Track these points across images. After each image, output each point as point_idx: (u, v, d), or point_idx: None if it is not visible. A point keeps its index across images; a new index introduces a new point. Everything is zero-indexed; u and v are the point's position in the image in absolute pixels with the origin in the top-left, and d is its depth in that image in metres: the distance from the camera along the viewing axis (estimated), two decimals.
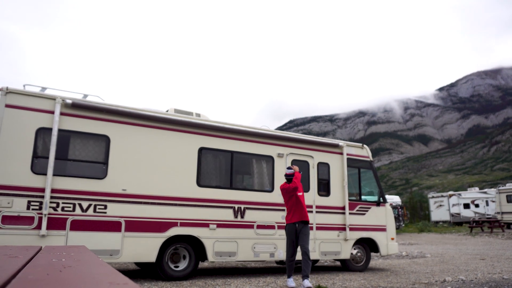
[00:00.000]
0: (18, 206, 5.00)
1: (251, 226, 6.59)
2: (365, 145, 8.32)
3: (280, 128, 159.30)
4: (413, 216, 42.77)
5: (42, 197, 5.14)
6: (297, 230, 5.68)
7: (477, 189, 33.53)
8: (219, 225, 6.31)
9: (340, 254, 7.35)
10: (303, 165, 7.30)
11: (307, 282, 5.37)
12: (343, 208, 7.59)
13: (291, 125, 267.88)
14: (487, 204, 30.34)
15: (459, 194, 31.92)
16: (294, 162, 7.22)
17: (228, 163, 6.73)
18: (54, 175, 5.26)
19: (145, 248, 5.68)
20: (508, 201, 24.52)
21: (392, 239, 8.03)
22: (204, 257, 6.21)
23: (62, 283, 0.59)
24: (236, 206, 6.55)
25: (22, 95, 5.26)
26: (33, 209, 5.08)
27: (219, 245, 6.25)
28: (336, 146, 7.85)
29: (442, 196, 33.47)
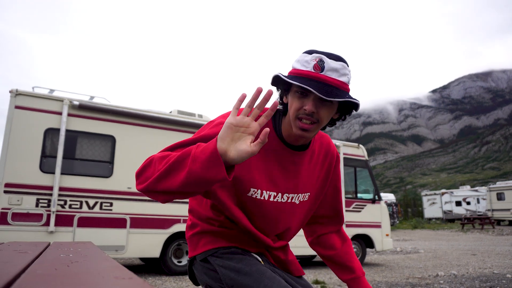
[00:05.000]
0: (28, 203, 5.15)
1: None
2: (361, 145, 8.54)
3: None
4: (407, 213, 43.17)
5: (50, 195, 5.29)
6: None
7: (468, 187, 34.06)
8: None
9: None
10: None
11: None
12: None
13: None
14: (478, 201, 30.82)
15: (451, 192, 32.38)
16: None
17: None
18: (62, 173, 5.41)
19: (149, 244, 5.85)
20: (498, 199, 25.00)
21: (387, 235, 8.24)
22: None
23: (70, 277, 0.61)
24: None
25: (31, 97, 5.40)
26: (41, 207, 5.22)
27: None
28: None
29: (435, 194, 33.92)
